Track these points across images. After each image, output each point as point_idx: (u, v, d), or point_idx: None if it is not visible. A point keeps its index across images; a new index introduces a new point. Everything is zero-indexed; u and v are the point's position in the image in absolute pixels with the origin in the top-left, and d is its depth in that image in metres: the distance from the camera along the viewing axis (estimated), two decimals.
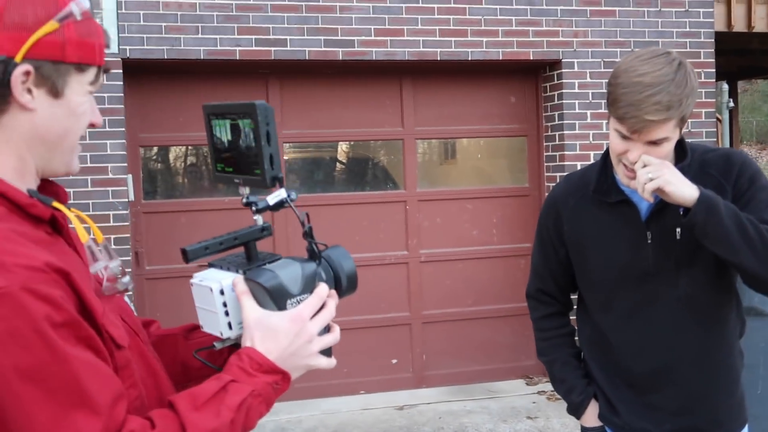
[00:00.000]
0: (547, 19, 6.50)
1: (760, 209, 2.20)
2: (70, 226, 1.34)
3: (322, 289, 1.44)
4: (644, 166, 2.12)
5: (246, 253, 1.50)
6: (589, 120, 6.60)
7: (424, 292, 6.80)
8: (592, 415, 2.51)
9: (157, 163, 6.59)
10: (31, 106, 1.25)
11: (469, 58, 6.38)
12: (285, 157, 6.59)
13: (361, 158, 6.95)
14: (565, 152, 6.59)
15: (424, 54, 6.28)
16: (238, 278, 1.43)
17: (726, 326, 2.36)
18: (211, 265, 1.53)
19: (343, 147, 6.89)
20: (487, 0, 6.38)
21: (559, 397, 6.66)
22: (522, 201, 7.00)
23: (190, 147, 6.56)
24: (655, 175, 2.09)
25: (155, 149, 6.51)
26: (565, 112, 6.56)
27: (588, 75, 6.59)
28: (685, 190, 2.09)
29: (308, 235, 1.49)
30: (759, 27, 8.18)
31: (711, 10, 6.85)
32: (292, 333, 1.38)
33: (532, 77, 6.92)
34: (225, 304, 1.43)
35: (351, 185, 6.80)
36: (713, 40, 6.86)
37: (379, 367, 6.73)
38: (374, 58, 6.19)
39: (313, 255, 1.50)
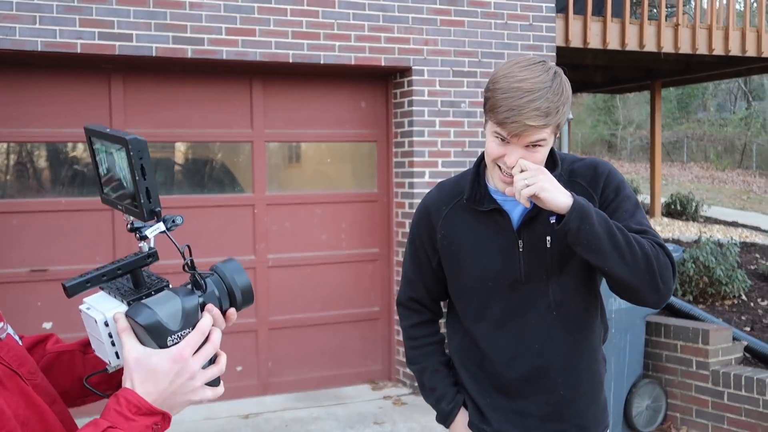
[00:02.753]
0: (399, 26, 6.55)
1: (625, 218, 2.28)
2: None
3: (205, 322, 1.41)
4: (521, 171, 2.15)
5: (133, 280, 1.46)
6: (437, 127, 6.69)
7: (272, 297, 6.68)
8: (461, 423, 2.51)
9: None
10: None
11: (321, 62, 6.32)
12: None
13: (208, 160, 6.75)
14: (414, 158, 6.65)
15: (276, 55, 6.17)
16: (119, 314, 1.40)
17: (592, 332, 2.43)
18: (101, 288, 1.48)
19: (189, 148, 6.67)
20: (340, 4, 6.35)
21: (405, 401, 6.82)
22: (371, 206, 7.01)
23: (20, 144, 6.15)
24: (531, 182, 2.12)
25: None
26: (414, 119, 6.62)
27: (437, 83, 6.69)
28: (559, 197, 2.13)
29: (190, 267, 1.45)
30: (593, 43, 8.59)
31: (553, 24, 7.12)
32: (172, 373, 1.35)
33: (382, 83, 6.95)
34: (110, 335, 1.41)
35: (197, 187, 6.59)
36: (555, 54, 7.13)
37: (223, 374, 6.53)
38: (224, 57, 6.03)
39: (197, 285, 1.46)
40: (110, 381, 1.57)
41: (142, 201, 1.38)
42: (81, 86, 6.02)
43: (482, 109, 2.28)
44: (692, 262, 6.98)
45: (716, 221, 12.73)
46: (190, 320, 1.40)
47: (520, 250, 2.33)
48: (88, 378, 1.52)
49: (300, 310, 6.81)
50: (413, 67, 6.61)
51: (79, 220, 6.06)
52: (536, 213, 2.30)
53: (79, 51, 5.63)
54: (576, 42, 8.48)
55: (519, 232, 2.34)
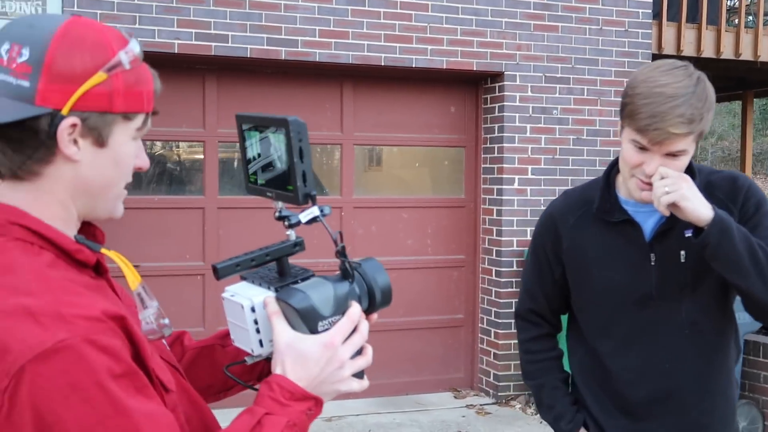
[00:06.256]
0: (492, 30, 6.47)
1: (766, 236, 2.15)
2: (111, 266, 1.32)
3: (355, 311, 1.39)
4: (662, 178, 2.05)
5: (278, 268, 1.45)
6: (528, 134, 6.59)
7: None
8: None
9: None
10: (76, 158, 1.22)
11: (413, 65, 6.29)
12: (220, 156, 6.35)
13: None
14: (504, 165, 6.56)
15: (368, 58, 6.16)
16: (270, 298, 1.38)
17: (727, 354, 2.31)
18: (242, 278, 1.47)
19: None
20: (434, 8, 6.31)
21: (489, 411, 6.72)
22: (458, 212, 6.94)
23: None
24: (672, 189, 2.02)
25: None
26: (505, 124, 6.53)
27: (529, 89, 6.59)
28: (701, 209, 2.02)
29: (341, 254, 1.42)
30: (687, 51, 8.36)
31: (649, 31, 6.96)
32: (323, 360, 1.34)
33: (473, 88, 6.88)
34: (256, 321, 1.38)
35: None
36: (651, 60, 6.96)
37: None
38: (317, 59, 6.03)
39: (346, 274, 1.43)
40: (251, 372, 1.57)
41: (298, 184, 1.37)
42: (176, 86, 6.09)
43: (617, 115, 2.19)
44: None
45: None
46: (341, 307, 1.39)
47: (652, 263, 2.22)
48: (229, 367, 1.51)
49: (384, 315, 6.66)
50: (505, 72, 6.52)
51: (171, 217, 6.13)
52: (670, 226, 2.19)
53: (176, 51, 5.70)
54: (669, 49, 8.25)
55: (651, 245, 2.23)
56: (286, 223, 1.43)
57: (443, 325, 6.93)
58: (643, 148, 2.08)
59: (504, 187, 6.56)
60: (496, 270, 6.66)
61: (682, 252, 2.19)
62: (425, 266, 6.88)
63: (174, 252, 6.19)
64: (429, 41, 6.30)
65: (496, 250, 6.66)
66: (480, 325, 6.90)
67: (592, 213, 2.32)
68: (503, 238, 6.57)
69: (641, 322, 2.26)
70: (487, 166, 6.78)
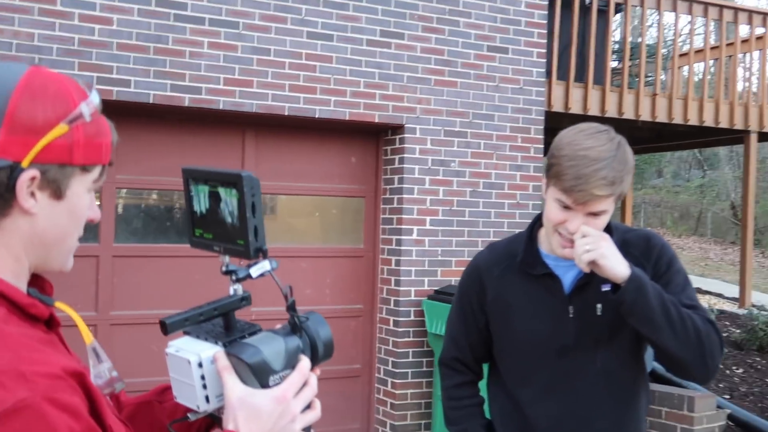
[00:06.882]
0: (394, 84, 6.60)
1: (677, 292, 2.29)
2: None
3: (305, 365, 1.41)
4: (583, 236, 2.15)
5: (225, 323, 1.44)
6: (427, 185, 6.72)
7: None
8: None
9: None
10: (33, 210, 1.21)
11: (317, 116, 6.34)
12: (117, 202, 6.21)
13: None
14: (403, 215, 6.66)
15: (272, 108, 6.17)
16: (220, 353, 1.37)
17: (639, 401, 2.43)
18: (185, 333, 1.44)
19: (177, 196, 6.59)
20: (338, 60, 6.39)
21: None
22: (357, 262, 6.98)
23: None
24: (593, 247, 2.13)
25: None
26: (405, 176, 6.65)
27: (429, 141, 6.73)
28: (618, 267, 2.14)
29: (291, 308, 1.46)
30: (574, 109, 8.74)
31: (542, 89, 7.24)
32: (276, 414, 1.34)
33: (374, 139, 6.98)
34: (203, 377, 1.37)
35: (184, 235, 6.50)
36: (543, 117, 7.24)
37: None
38: (221, 107, 6.01)
39: (295, 328, 1.45)
40: (189, 429, 1.55)
41: (250, 238, 1.37)
42: None
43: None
44: None
45: None
46: (291, 361, 1.40)
47: (570, 315, 2.33)
48: (173, 423, 1.48)
49: None
50: (406, 125, 6.65)
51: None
52: (588, 280, 2.30)
53: None
54: (558, 106, 8.61)
55: (570, 297, 2.34)
56: (234, 277, 1.44)
57: (340, 375, 6.91)
58: (566, 207, 2.18)
59: (403, 237, 6.65)
60: (394, 320, 6.71)
61: (599, 305, 2.31)
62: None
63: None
64: (332, 92, 6.38)
65: (394, 300, 6.72)
66: (377, 375, 6.93)
67: (515, 266, 2.42)
68: (401, 288, 6.64)
69: (559, 372, 2.35)
70: (387, 216, 6.86)
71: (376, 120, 6.55)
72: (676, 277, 2.34)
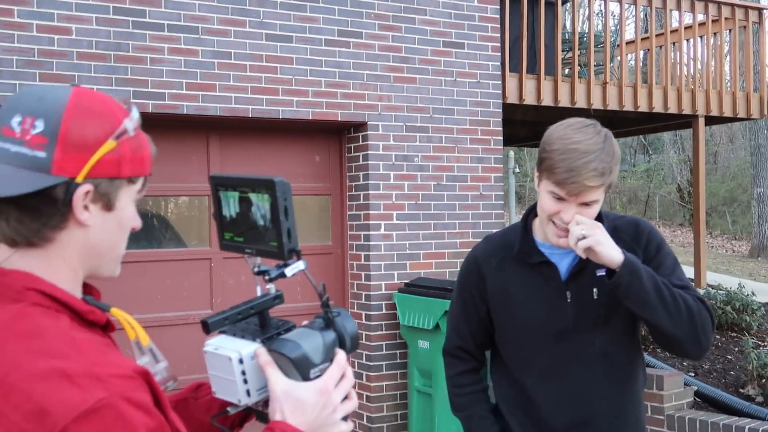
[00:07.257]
0: (354, 82, 6.69)
1: (667, 274, 2.43)
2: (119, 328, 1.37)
3: (342, 357, 1.49)
4: (577, 224, 2.27)
5: (260, 321, 1.52)
6: (392, 181, 6.82)
7: None
8: None
9: None
10: (88, 222, 1.28)
11: (280, 117, 6.40)
12: None
13: (162, 215, 6.70)
14: (370, 211, 6.75)
15: (236, 110, 6.22)
16: (261, 349, 1.45)
17: (636, 381, 2.55)
18: (220, 332, 1.52)
19: (148, 202, 6.61)
20: (298, 60, 6.46)
21: None
22: (325, 259, 7.06)
23: None
24: (588, 234, 2.24)
25: None
26: (370, 172, 6.74)
27: (391, 138, 6.84)
28: (613, 252, 2.26)
29: (325, 305, 1.53)
30: (528, 100, 8.90)
31: (498, 82, 7.39)
32: (319, 405, 1.42)
33: (337, 137, 7.06)
34: (243, 372, 1.45)
35: (153, 241, 6.52)
36: (501, 110, 7.39)
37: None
38: (185, 112, 6.04)
39: (329, 323, 1.53)
40: (226, 421, 1.62)
41: (284, 240, 1.45)
42: None
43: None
44: None
45: None
46: (328, 354, 1.48)
47: (568, 300, 2.44)
48: (215, 417, 1.56)
49: None
50: (368, 122, 6.74)
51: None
52: (583, 266, 2.42)
53: None
54: (512, 98, 8.75)
55: (567, 283, 2.45)
56: (266, 277, 1.51)
57: None
58: (560, 198, 2.30)
59: (371, 232, 6.74)
60: (366, 314, 6.81)
61: (595, 289, 2.43)
62: (295, 313, 6.88)
63: None
64: (294, 93, 6.45)
65: (365, 295, 6.81)
66: (352, 368, 7.00)
67: (512, 256, 2.53)
68: (372, 283, 6.74)
69: (559, 355, 2.47)
70: (354, 212, 6.95)
71: (339, 119, 6.63)
72: (665, 260, 2.47)
